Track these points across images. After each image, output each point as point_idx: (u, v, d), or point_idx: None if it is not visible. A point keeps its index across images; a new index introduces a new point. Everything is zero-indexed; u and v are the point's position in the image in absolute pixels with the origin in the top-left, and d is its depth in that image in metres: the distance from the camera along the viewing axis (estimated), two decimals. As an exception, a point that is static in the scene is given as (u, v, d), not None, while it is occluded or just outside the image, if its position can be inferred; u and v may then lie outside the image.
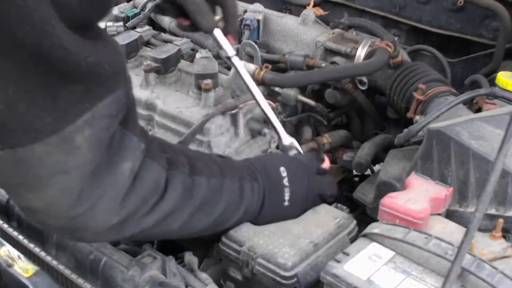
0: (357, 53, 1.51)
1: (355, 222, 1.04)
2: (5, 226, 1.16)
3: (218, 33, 1.12)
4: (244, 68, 1.19)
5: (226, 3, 1.06)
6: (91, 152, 0.69)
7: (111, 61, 0.69)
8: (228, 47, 1.14)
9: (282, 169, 1.00)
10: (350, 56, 1.53)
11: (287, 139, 1.18)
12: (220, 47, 1.15)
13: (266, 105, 1.18)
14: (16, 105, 0.62)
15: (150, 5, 1.62)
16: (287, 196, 1.00)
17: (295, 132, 1.64)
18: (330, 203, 1.08)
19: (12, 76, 0.61)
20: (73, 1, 0.62)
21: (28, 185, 0.69)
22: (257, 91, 1.18)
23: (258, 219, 0.98)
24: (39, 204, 0.71)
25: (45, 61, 0.61)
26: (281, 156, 1.13)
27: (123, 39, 1.44)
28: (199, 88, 1.32)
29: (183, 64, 1.44)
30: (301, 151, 1.17)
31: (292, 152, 1.16)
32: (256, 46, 1.55)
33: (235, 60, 1.17)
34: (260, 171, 0.99)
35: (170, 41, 1.54)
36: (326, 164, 1.12)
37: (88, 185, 0.71)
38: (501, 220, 0.89)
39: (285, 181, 1.00)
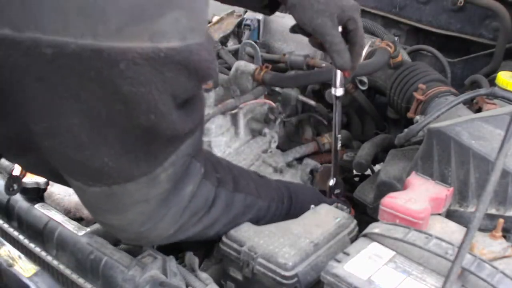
0: (357, 53, 1.51)
1: (355, 222, 1.04)
2: (6, 226, 1.16)
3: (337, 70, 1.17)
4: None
5: (356, 42, 1.08)
6: (168, 184, 0.79)
7: (201, 118, 0.80)
8: (339, 86, 1.19)
9: (312, 206, 1.08)
10: (350, 56, 1.53)
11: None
12: (331, 82, 1.18)
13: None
14: (119, 158, 0.70)
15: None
16: None
17: (295, 132, 1.64)
18: None
19: (119, 140, 0.69)
20: (187, 87, 0.70)
21: (112, 210, 0.79)
22: None
23: None
24: (116, 222, 0.82)
25: (153, 134, 0.70)
26: (315, 194, 1.19)
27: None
28: (199, 88, 1.32)
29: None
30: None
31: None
32: (256, 46, 1.55)
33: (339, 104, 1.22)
34: (292, 197, 1.09)
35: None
36: None
37: (158, 208, 0.81)
38: (501, 220, 0.89)
39: None
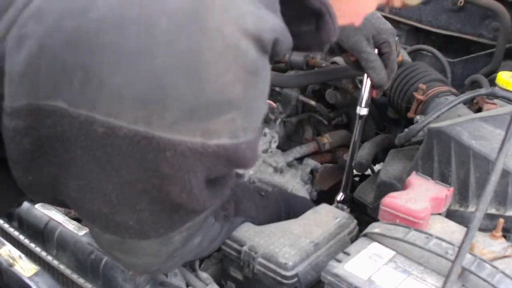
0: (358, 53, 1.51)
1: (355, 222, 1.04)
2: (6, 226, 1.16)
3: (368, 84, 1.17)
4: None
5: (387, 65, 1.10)
6: (179, 243, 0.80)
7: (228, 192, 0.82)
8: (364, 106, 1.20)
9: None
10: (350, 56, 1.53)
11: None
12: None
13: None
14: (140, 221, 0.71)
15: None
16: None
17: (295, 132, 1.64)
18: None
19: (146, 207, 0.69)
20: (224, 172, 0.72)
21: (122, 251, 0.79)
22: None
23: None
24: (125, 261, 0.83)
25: (179, 207, 0.70)
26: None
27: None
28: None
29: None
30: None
31: None
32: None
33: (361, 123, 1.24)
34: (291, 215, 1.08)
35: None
36: None
37: (166, 260, 0.83)
38: (501, 220, 0.89)
39: None
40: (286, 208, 1.11)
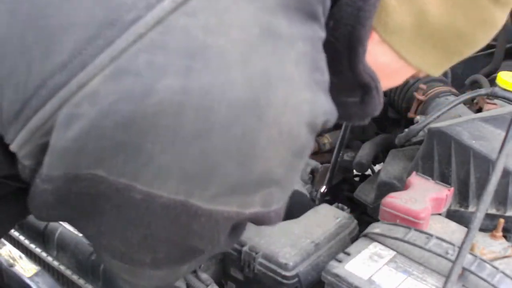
0: (358, 53, 1.51)
1: (356, 222, 1.04)
2: (7, 226, 1.16)
3: None
4: None
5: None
6: (187, 270, 0.83)
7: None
8: None
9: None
10: (350, 56, 1.53)
11: None
12: None
13: None
14: (156, 261, 0.70)
15: None
16: None
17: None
18: None
19: (166, 251, 0.69)
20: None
21: (132, 275, 0.78)
22: None
23: None
24: (134, 282, 0.81)
25: (199, 251, 0.70)
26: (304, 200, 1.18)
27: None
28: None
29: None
30: None
31: None
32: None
33: None
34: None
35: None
36: None
37: (170, 281, 0.83)
38: (501, 220, 0.89)
39: None
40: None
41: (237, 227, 0.72)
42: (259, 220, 0.68)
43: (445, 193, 0.96)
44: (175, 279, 0.82)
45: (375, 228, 0.89)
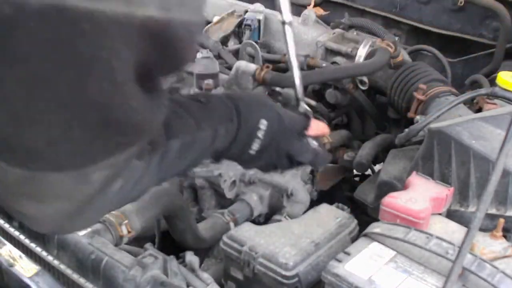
0: (358, 53, 1.52)
1: (356, 221, 1.04)
2: (7, 226, 1.16)
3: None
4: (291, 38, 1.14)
5: None
6: (98, 186, 0.68)
7: (158, 121, 0.69)
8: (286, 12, 1.09)
9: (263, 121, 0.97)
10: (350, 56, 1.53)
11: (302, 107, 1.16)
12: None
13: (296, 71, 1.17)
14: (54, 143, 0.60)
15: None
16: (255, 147, 0.96)
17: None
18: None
19: (60, 116, 0.58)
20: (152, 62, 0.60)
21: (29, 196, 0.68)
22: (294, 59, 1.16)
23: (222, 157, 0.95)
24: (32, 212, 0.71)
25: (104, 116, 0.59)
26: (269, 108, 1.03)
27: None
28: (200, 88, 1.32)
29: (184, 64, 1.44)
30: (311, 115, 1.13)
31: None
32: (257, 46, 1.55)
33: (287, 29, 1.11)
34: (242, 113, 0.96)
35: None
36: (314, 131, 1.09)
37: (79, 209, 0.71)
38: (501, 220, 0.89)
39: (260, 134, 0.97)
40: (238, 107, 0.97)
41: (153, 92, 0.62)
42: (163, 36, 0.57)
43: (445, 193, 0.96)
44: (83, 197, 0.68)
45: (375, 228, 0.89)
